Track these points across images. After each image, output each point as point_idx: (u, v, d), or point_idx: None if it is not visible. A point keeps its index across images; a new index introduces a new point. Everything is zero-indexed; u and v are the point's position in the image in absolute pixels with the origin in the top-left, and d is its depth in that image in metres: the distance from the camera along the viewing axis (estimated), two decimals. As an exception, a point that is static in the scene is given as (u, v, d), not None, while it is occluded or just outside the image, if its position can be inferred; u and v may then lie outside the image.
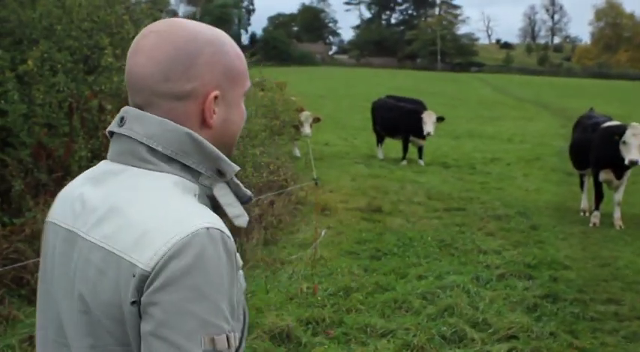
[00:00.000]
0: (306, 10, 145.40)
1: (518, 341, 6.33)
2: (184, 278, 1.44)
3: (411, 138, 17.90)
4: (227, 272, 1.51)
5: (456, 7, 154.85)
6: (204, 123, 1.69)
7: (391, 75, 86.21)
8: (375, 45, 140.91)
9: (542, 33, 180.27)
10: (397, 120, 17.86)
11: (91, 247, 1.57)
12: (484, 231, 10.54)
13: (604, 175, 11.40)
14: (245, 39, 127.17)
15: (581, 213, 12.29)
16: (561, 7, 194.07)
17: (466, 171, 17.05)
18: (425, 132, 17.37)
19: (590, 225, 11.38)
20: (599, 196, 11.56)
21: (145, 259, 1.47)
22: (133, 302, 1.47)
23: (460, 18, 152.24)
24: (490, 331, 6.52)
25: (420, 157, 18.14)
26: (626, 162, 10.73)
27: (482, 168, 17.70)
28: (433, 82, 72.89)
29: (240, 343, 1.61)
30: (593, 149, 11.44)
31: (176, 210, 1.54)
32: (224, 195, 1.69)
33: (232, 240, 1.56)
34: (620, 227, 11.21)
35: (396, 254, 9.13)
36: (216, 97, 1.67)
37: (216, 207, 1.67)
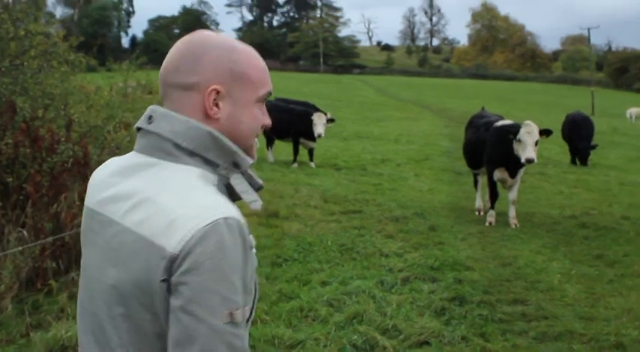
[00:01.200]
0: (187, 12, 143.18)
1: (430, 347, 6.17)
2: (208, 262, 1.70)
3: (302, 140, 17.70)
4: (242, 255, 1.75)
5: (337, 9, 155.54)
6: (207, 115, 1.93)
7: (274, 77, 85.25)
8: (258, 47, 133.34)
9: (422, 35, 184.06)
10: (288, 123, 17.63)
11: (125, 230, 1.82)
12: (383, 233, 10.39)
13: (498, 174, 11.46)
14: (125, 42, 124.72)
15: (476, 213, 12.34)
16: (439, 10, 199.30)
17: (358, 173, 16.98)
18: (316, 134, 17.20)
19: (487, 224, 11.42)
20: (494, 195, 11.62)
21: (172, 244, 1.72)
22: (163, 280, 1.72)
23: (341, 20, 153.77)
24: (401, 337, 6.32)
25: (311, 159, 17.99)
26: (522, 160, 10.77)
27: (373, 170, 17.68)
28: (316, 83, 73.21)
29: (251, 312, 1.89)
30: (487, 148, 11.48)
31: (199, 201, 1.78)
32: (239, 184, 1.93)
33: (246, 225, 1.80)
34: (516, 225, 11.29)
35: (296, 260, 8.86)
36: (217, 92, 1.92)
37: (232, 193, 1.92)
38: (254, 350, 6.00)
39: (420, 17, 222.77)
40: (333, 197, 13.20)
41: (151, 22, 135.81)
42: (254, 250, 1.88)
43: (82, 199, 7.60)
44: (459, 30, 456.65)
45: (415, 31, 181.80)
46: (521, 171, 11.55)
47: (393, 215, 11.63)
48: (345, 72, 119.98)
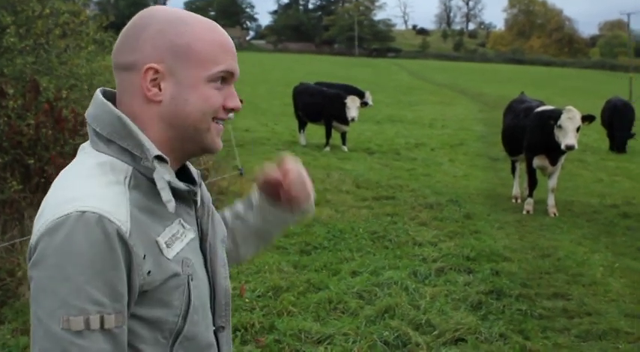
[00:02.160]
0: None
1: (466, 344, 5.82)
2: (51, 258, 1.54)
3: (334, 123, 17.37)
4: (101, 255, 1.54)
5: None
6: (146, 98, 1.74)
7: (309, 60, 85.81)
8: (293, 30, 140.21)
9: (458, 19, 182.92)
10: (320, 105, 17.32)
11: None
12: (417, 220, 10.03)
13: (538, 161, 11.04)
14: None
15: (513, 200, 11.94)
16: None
17: (391, 157, 16.64)
18: (349, 118, 16.89)
19: (524, 212, 11.02)
20: (532, 183, 11.20)
21: (33, 233, 1.62)
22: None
23: (377, 4, 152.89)
24: (435, 333, 5.98)
25: (344, 143, 17.69)
26: (563, 147, 10.35)
27: (407, 154, 17.32)
28: (351, 67, 72.76)
29: (184, 324, 1.72)
30: (526, 134, 11.06)
31: (69, 191, 1.63)
32: (159, 180, 1.69)
33: (122, 223, 1.58)
34: (555, 214, 10.88)
35: (326, 248, 8.54)
36: (156, 71, 1.72)
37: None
38: (279, 345, 5.71)
39: (457, 1, 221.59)
40: (365, 182, 12.86)
41: (187, 4, 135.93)
42: (141, 256, 1.63)
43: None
44: (495, 14, 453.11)
45: (451, 14, 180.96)
46: (562, 159, 11.11)
47: (427, 202, 11.26)
48: (380, 55, 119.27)
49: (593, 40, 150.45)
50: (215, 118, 1.81)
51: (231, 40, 1.84)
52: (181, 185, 1.76)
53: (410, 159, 16.58)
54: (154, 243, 1.66)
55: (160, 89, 1.73)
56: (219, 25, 1.83)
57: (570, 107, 10.60)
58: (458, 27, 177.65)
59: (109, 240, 1.55)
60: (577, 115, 10.41)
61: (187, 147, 1.83)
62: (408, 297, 6.79)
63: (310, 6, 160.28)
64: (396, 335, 5.85)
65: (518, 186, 12.11)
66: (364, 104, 17.44)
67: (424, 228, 9.63)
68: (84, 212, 1.55)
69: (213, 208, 2.00)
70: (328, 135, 17.56)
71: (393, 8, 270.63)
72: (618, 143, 20.11)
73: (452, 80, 63.03)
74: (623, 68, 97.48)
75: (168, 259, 1.69)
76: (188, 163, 1.96)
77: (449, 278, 7.50)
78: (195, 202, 1.87)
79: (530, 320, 6.42)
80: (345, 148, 17.47)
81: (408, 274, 7.51)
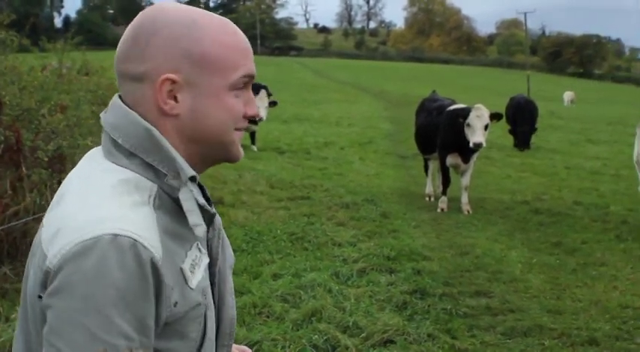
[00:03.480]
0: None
1: (395, 345, 5.76)
2: (78, 286, 1.37)
3: (243, 123, 17.16)
4: (134, 285, 1.39)
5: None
6: (162, 111, 1.58)
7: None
8: None
9: (359, 18, 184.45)
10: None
11: (40, 229, 1.57)
12: (334, 220, 9.97)
13: (451, 159, 11.15)
14: (58, 22, 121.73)
15: (427, 199, 12.03)
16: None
17: (302, 157, 16.58)
18: (257, 117, 16.68)
19: (439, 210, 11.11)
20: (446, 181, 11.31)
21: (51, 255, 1.43)
22: (40, 297, 1.45)
23: (278, 2, 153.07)
24: (363, 336, 5.91)
25: (253, 143, 17.53)
26: (471, 144, 10.50)
27: (317, 153, 17.30)
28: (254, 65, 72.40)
29: None
30: (439, 133, 11.15)
31: (96, 210, 1.46)
32: (188, 200, 1.53)
33: (155, 250, 1.44)
34: (468, 212, 11.00)
35: (245, 250, 8.36)
36: (172, 81, 1.56)
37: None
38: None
39: (357, 0, 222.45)
40: (279, 182, 12.75)
41: (85, 1, 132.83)
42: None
43: (14, 188, 7.02)
44: (395, 13, 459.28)
45: (352, 13, 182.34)
46: (474, 157, 11.26)
47: (343, 201, 11.21)
48: (282, 54, 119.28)
49: (490, 39, 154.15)
50: (237, 128, 1.67)
51: (247, 39, 1.68)
52: (210, 208, 1.63)
53: (321, 158, 16.55)
54: (179, 271, 1.53)
55: (177, 101, 1.58)
56: (233, 24, 1.68)
57: (479, 105, 10.75)
58: (359, 25, 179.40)
59: (142, 268, 1.42)
60: (485, 113, 10.58)
61: (208, 161, 1.70)
62: (333, 299, 6.70)
63: (211, 4, 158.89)
64: (324, 338, 5.75)
65: (431, 184, 12.20)
66: (273, 103, 17.32)
67: (342, 228, 9.57)
68: (117, 235, 1.40)
69: (224, 232, 1.84)
70: (238, 134, 17.33)
71: (295, 6, 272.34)
72: (523, 139, 20.55)
73: (355, 78, 63.54)
74: (519, 66, 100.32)
75: (192, 289, 1.56)
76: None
77: (371, 278, 7.45)
78: (211, 225, 1.71)
79: (456, 319, 6.42)
80: (255, 148, 17.32)
81: (330, 275, 7.42)
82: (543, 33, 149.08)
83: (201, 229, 1.54)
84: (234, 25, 1.67)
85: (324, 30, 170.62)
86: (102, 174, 1.55)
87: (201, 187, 1.71)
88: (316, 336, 5.77)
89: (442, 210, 11.10)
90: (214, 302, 1.73)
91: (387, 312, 6.44)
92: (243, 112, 1.66)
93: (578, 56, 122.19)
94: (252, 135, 17.55)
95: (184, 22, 1.59)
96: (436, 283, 7.34)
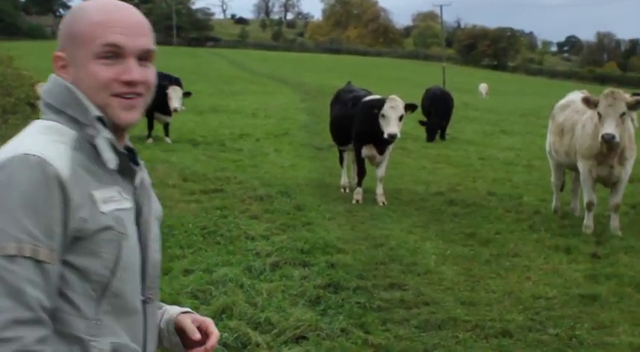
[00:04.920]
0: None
1: (308, 342, 5.63)
2: None
3: (156, 114, 16.77)
4: (40, 193, 1.74)
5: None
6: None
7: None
8: None
9: (276, 9, 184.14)
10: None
11: None
12: (247, 213, 9.78)
13: (366, 151, 11.07)
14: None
15: (342, 190, 11.93)
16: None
17: (217, 149, 16.32)
18: (171, 108, 16.35)
19: (354, 202, 11.03)
20: (361, 172, 11.22)
21: None
22: None
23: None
24: (275, 332, 5.75)
25: (167, 134, 17.20)
26: (385, 135, 10.44)
27: (232, 145, 17.06)
28: (170, 57, 71.30)
29: (112, 278, 1.85)
30: (354, 124, 11.05)
31: (18, 144, 1.83)
32: (101, 140, 1.87)
33: (61, 169, 1.77)
34: (384, 203, 10.94)
35: (155, 245, 8.11)
36: (60, 58, 1.96)
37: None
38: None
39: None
40: (192, 175, 12.47)
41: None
42: (77, 203, 1.80)
43: None
44: (313, 4, 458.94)
45: (269, 4, 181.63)
46: (390, 148, 11.21)
47: (257, 194, 11.01)
48: (199, 45, 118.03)
49: (407, 31, 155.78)
50: (114, 94, 1.93)
51: (129, 16, 1.96)
52: (120, 148, 1.94)
53: (236, 150, 16.32)
54: (89, 195, 1.82)
55: (68, 73, 1.94)
56: (118, 6, 1.97)
57: (394, 96, 10.71)
58: (276, 17, 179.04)
59: (48, 180, 1.74)
60: (400, 104, 10.55)
61: (109, 124, 1.94)
62: (245, 295, 6.52)
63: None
64: (235, 336, 5.58)
65: (346, 176, 12.12)
66: (187, 94, 17.00)
67: (255, 221, 9.39)
68: (27, 154, 1.76)
69: (152, 191, 2.13)
70: (150, 126, 16.96)
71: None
72: (435, 131, 20.67)
73: (272, 69, 63.30)
74: (435, 58, 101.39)
75: (103, 213, 1.84)
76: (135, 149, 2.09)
77: (284, 272, 7.30)
78: (134, 179, 2.01)
79: (370, 312, 6.33)
80: (169, 140, 17.00)
81: (243, 270, 7.24)
82: (459, 25, 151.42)
83: (112, 162, 1.88)
84: (118, 6, 1.96)
85: (241, 21, 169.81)
86: (31, 126, 1.94)
87: (132, 150, 2.05)
88: (226, 333, 5.58)
89: (357, 201, 11.02)
90: (140, 246, 2.00)
91: (300, 307, 6.31)
92: (113, 78, 1.91)
93: (492, 49, 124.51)
94: (166, 126, 17.22)
95: (75, 9, 1.98)
96: (350, 276, 7.24)
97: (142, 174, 2.06)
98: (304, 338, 5.70)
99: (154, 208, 2.12)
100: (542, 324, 6.27)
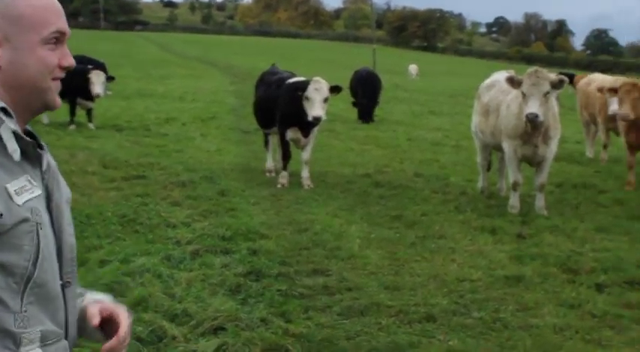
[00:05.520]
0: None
1: (226, 333, 5.44)
2: None
3: (78, 100, 16.30)
4: None
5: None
6: None
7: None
8: None
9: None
10: (62, 81, 16.21)
11: None
12: (169, 200, 9.51)
13: (291, 134, 10.88)
14: None
15: (267, 174, 11.73)
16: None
17: (141, 134, 15.93)
18: (94, 94, 15.90)
19: (279, 186, 10.83)
20: (286, 156, 11.02)
21: None
22: None
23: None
24: (192, 323, 5.56)
25: (90, 120, 16.72)
26: (310, 118, 10.27)
27: (157, 130, 16.67)
28: (97, 41, 70.09)
29: (34, 270, 1.86)
30: (279, 106, 10.85)
31: None
32: (4, 131, 1.84)
33: None
34: (310, 186, 10.78)
35: (71, 236, 7.81)
36: None
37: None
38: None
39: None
40: (113, 161, 12.09)
41: None
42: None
43: None
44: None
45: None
46: (315, 130, 11.04)
47: (180, 179, 10.74)
48: (127, 29, 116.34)
49: (337, 13, 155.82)
50: (54, 78, 1.98)
51: (57, 1, 1.99)
52: (25, 137, 1.90)
53: (161, 134, 15.95)
54: (3, 188, 1.80)
55: None
56: None
57: (318, 78, 10.53)
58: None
59: None
60: (324, 86, 10.39)
61: (31, 108, 2.00)
62: (162, 285, 6.31)
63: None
64: (150, 329, 5.37)
65: (271, 160, 11.93)
66: (110, 78, 16.57)
67: (177, 208, 9.13)
68: None
69: (59, 174, 2.09)
70: (72, 112, 16.46)
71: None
72: (365, 112, 20.61)
73: (202, 53, 62.68)
74: (366, 40, 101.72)
75: (18, 205, 1.83)
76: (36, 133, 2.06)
77: (205, 261, 7.09)
78: (41, 164, 1.98)
79: (292, 300, 6.18)
80: (92, 126, 16.52)
81: (161, 259, 7.01)
82: (389, 7, 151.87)
83: (16, 154, 1.85)
84: None
85: (170, 4, 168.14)
86: None
87: (33, 135, 2.02)
88: (141, 327, 5.36)
89: (282, 185, 10.84)
90: (54, 232, 1.99)
91: (220, 297, 6.13)
92: (57, 63, 1.97)
93: (422, 30, 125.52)
94: (89, 112, 16.72)
95: None
96: (272, 263, 7.08)
97: (48, 158, 2.03)
98: (223, 329, 5.51)
99: (64, 191, 2.09)
100: (467, 307, 6.21)
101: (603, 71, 19.67)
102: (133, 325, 5.22)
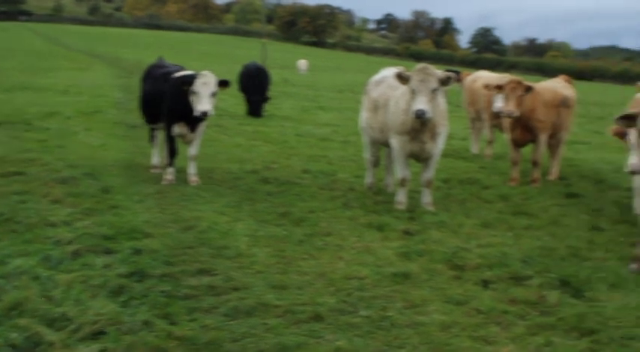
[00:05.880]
0: None
1: (107, 337, 5.23)
2: None
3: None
4: None
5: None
6: None
7: None
8: None
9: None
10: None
11: None
12: (49, 198, 9.12)
13: (178, 129, 10.63)
14: None
15: (153, 170, 11.46)
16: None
17: (21, 128, 15.29)
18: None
19: (164, 183, 10.57)
20: (172, 151, 10.76)
21: None
22: None
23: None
24: (71, 328, 5.31)
25: (-35, 115, 16.00)
26: (197, 113, 10.06)
27: (39, 124, 16.05)
28: (-24, 30, 68.07)
29: None
30: (165, 101, 10.59)
31: None
32: None
33: None
34: (196, 183, 10.58)
35: (-61, 239, 7.38)
36: None
37: None
38: None
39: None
40: (-11, 158, 11.57)
41: None
42: None
43: None
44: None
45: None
46: (202, 125, 10.82)
47: (61, 176, 10.34)
48: (10, 19, 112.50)
49: (227, 7, 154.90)
50: None
51: None
52: None
53: (42, 129, 15.35)
54: None
55: None
56: None
57: (205, 72, 10.33)
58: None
59: None
60: (212, 80, 10.22)
61: None
62: (40, 288, 6.02)
63: None
64: (25, 335, 5.12)
65: (157, 156, 11.66)
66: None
67: (58, 206, 8.77)
68: None
69: None
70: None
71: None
72: (254, 107, 20.49)
73: (88, 45, 61.22)
74: (256, 34, 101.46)
75: None
76: None
77: (86, 261, 6.82)
78: None
79: (176, 301, 6.00)
80: (-32, 120, 15.84)
81: (40, 261, 6.69)
82: (279, 2, 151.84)
83: None
84: None
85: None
86: None
87: None
88: (15, 334, 5.11)
89: (168, 182, 10.59)
90: None
91: (101, 299, 5.90)
92: None
93: (312, 25, 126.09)
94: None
95: None
96: (157, 263, 6.88)
97: None
98: (103, 333, 5.30)
99: None
100: (354, 306, 6.17)
101: (488, 69, 20.03)
102: (6, 332, 5.00)
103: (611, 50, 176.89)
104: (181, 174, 10.86)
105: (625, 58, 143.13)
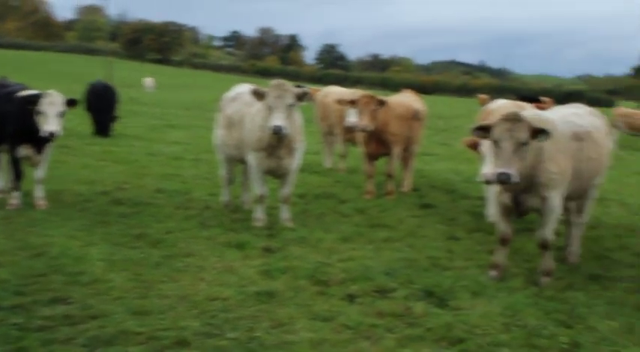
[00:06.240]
0: None
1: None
2: None
3: None
4: None
5: None
6: None
7: None
8: None
9: None
10: None
11: None
12: None
13: (23, 150, 10.12)
14: None
15: (-1, 195, 10.86)
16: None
17: None
18: None
19: (10, 208, 10.03)
20: (18, 174, 10.22)
21: None
22: None
23: None
24: None
25: None
26: (44, 133, 9.61)
27: None
28: None
29: None
30: (8, 121, 10.05)
31: None
32: None
33: None
34: (44, 206, 10.09)
35: None
36: None
37: None
38: None
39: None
40: None
41: None
42: None
43: None
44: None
45: None
46: (49, 147, 10.34)
47: None
48: None
49: (69, 24, 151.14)
50: None
51: None
52: None
53: None
54: None
55: None
56: None
57: (51, 91, 9.92)
58: None
59: None
60: (58, 99, 9.83)
61: None
62: None
63: None
64: None
65: (2, 179, 11.06)
66: None
67: None
68: None
69: None
70: None
71: None
72: (102, 126, 19.94)
73: None
74: (100, 52, 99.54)
75: None
76: None
77: None
78: None
79: (30, 334, 5.66)
80: None
81: None
82: (123, 19, 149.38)
83: None
84: None
85: None
86: None
87: None
88: None
89: (14, 206, 10.06)
90: None
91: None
92: None
93: (157, 43, 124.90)
94: None
95: None
96: (6, 293, 6.50)
97: None
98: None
99: None
100: (220, 328, 6.01)
101: (335, 84, 20.25)
102: None
103: (451, 65, 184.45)
104: (28, 198, 10.33)
105: (463, 72, 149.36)
